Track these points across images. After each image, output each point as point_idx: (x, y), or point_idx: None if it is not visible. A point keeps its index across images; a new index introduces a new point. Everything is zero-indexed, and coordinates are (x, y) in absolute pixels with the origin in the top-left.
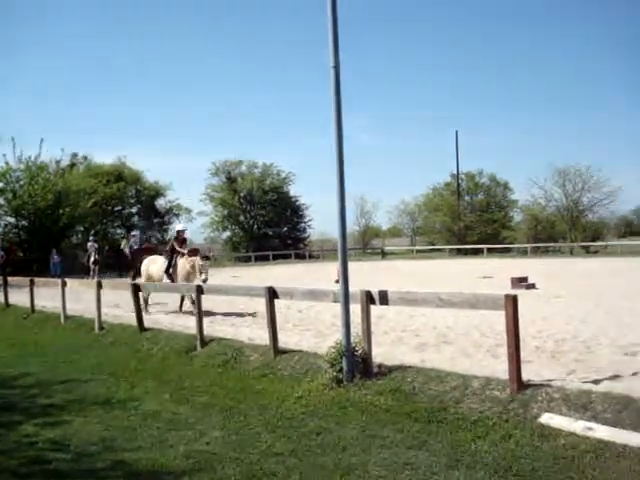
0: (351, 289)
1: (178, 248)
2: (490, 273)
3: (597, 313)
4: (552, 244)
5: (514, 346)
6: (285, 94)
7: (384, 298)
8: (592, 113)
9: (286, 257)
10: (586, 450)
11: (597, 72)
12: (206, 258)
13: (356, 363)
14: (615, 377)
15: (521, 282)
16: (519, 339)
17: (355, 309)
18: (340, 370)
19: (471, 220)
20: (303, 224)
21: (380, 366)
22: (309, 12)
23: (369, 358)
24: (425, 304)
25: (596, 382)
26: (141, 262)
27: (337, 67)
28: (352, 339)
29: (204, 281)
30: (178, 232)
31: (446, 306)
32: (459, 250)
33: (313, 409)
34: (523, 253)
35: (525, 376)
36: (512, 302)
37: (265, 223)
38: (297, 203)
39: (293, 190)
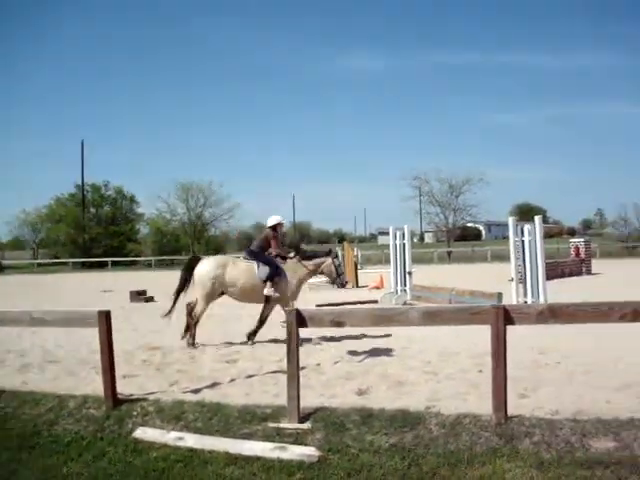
0: None
1: (278, 250)
2: (112, 287)
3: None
4: (177, 257)
5: (107, 362)
6: None
7: None
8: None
9: None
10: (176, 460)
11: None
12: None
13: None
14: (214, 385)
15: (140, 295)
16: (113, 353)
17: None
18: None
19: (97, 232)
20: None
21: None
22: None
23: None
24: (16, 324)
25: (195, 391)
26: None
27: None
28: None
29: (344, 284)
30: (275, 227)
31: (38, 324)
32: (84, 263)
33: None
34: (148, 266)
35: (129, 390)
36: (105, 319)
37: None
38: None
39: None
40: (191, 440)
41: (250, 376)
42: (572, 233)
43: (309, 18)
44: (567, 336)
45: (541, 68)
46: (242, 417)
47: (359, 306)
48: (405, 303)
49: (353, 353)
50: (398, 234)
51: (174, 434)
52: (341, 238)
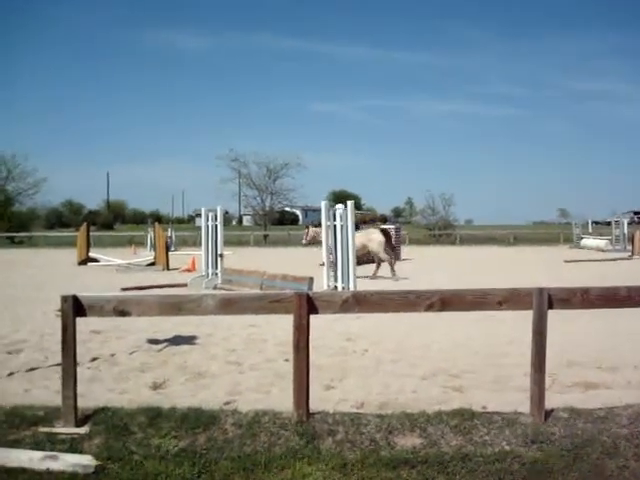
0: None
1: None
2: None
3: None
4: None
5: None
6: None
7: None
8: None
9: None
10: None
11: None
12: None
13: None
14: None
15: None
16: None
17: None
18: None
19: None
20: None
21: None
22: None
23: None
24: None
25: None
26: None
27: None
28: None
29: None
30: None
31: None
32: None
33: None
34: None
35: None
36: None
37: None
38: None
39: None
40: None
41: (33, 369)
42: (384, 220)
43: None
44: (377, 322)
45: (360, 60)
46: (10, 420)
47: (153, 291)
48: (216, 287)
49: (154, 342)
50: (210, 215)
51: None
52: (157, 219)
